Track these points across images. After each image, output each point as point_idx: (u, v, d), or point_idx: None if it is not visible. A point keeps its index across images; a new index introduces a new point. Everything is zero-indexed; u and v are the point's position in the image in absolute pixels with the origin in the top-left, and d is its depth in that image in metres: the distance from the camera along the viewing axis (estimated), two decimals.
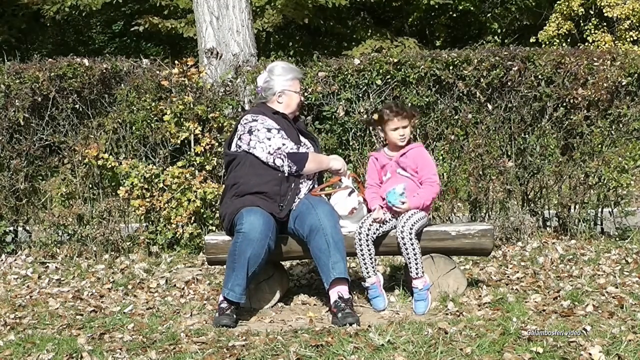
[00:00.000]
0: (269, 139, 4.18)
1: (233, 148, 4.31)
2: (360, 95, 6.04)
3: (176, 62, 6.13)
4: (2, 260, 5.91)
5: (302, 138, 4.39)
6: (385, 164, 4.38)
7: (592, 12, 14.20)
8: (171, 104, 5.96)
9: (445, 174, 6.06)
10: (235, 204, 4.14)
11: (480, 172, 6.06)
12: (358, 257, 4.25)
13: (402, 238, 4.13)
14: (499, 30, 17.32)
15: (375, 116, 4.38)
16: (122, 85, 6.13)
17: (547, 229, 6.26)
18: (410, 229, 4.13)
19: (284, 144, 4.18)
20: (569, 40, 14.26)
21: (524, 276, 4.81)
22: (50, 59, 6.17)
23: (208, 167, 5.96)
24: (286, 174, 4.17)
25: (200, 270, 5.27)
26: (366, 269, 4.20)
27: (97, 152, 5.93)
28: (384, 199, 4.27)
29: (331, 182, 4.36)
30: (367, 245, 4.19)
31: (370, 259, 4.21)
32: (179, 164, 5.99)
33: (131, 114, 6.03)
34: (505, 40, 16.21)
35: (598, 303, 3.98)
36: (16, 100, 5.95)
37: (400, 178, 4.30)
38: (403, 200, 4.18)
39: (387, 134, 4.34)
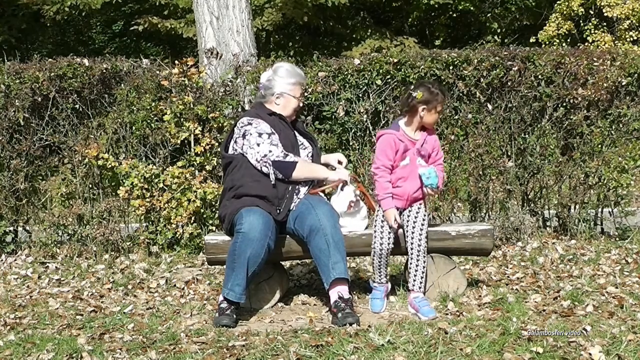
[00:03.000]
0: (258, 144, 4.18)
1: (230, 151, 4.32)
2: (360, 95, 6.04)
3: (176, 62, 6.13)
4: (2, 260, 5.92)
5: (300, 138, 4.39)
6: (408, 148, 4.07)
7: (592, 12, 14.19)
8: (171, 104, 5.96)
9: (445, 174, 6.06)
10: (234, 205, 4.15)
11: (480, 172, 6.06)
12: (374, 266, 4.21)
13: (416, 249, 4.08)
14: (499, 30, 17.31)
15: (420, 94, 3.98)
16: (122, 85, 6.12)
17: (547, 229, 6.26)
18: (423, 237, 4.09)
19: (270, 151, 4.16)
20: (569, 40, 14.26)
21: (524, 276, 4.81)
22: (50, 59, 6.17)
23: (208, 167, 5.96)
24: (273, 182, 4.16)
25: (200, 270, 5.27)
26: (379, 276, 4.20)
27: (97, 152, 5.93)
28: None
29: (324, 188, 4.29)
30: (386, 259, 4.19)
31: (386, 268, 4.21)
32: (179, 164, 5.99)
33: (131, 114, 6.03)
34: (505, 40, 16.20)
35: (598, 303, 3.99)
36: (16, 100, 5.95)
37: (417, 167, 4.09)
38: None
39: (427, 115, 4.02)
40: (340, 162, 4.43)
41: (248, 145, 4.20)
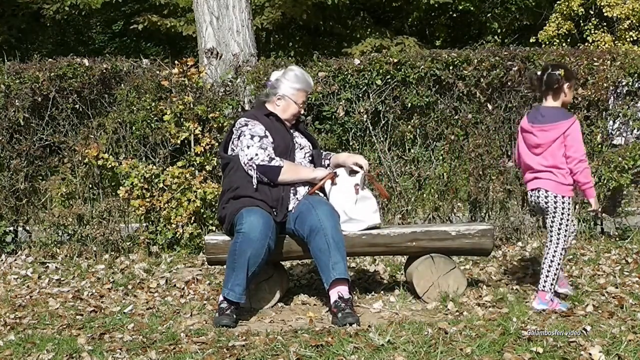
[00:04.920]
0: (248, 147, 4.18)
1: (229, 152, 4.33)
2: (360, 95, 6.04)
3: (176, 62, 6.13)
4: (2, 260, 5.91)
5: (298, 139, 4.38)
6: None
7: (592, 12, 14.18)
8: (171, 104, 5.96)
9: (445, 174, 6.07)
10: (234, 205, 4.15)
11: (480, 172, 6.06)
12: (558, 265, 4.00)
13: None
14: (499, 30, 17.30)
15: (562, 72, 4.00)
16: (122, 85, 6.12)
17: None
18: None
19: (256, 154, 4.15)
20: (569, 40, 14.24)
21: (524, 276, 4.81)
22: (50, 59, 6.17)
23: (208, 167, 5.96)
24: (254, 186, 4.14)
25: (200, 270, 5.27)
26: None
27: (97, 152, 5.93)
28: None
29: (319, 185, 4.25)
30: None
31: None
32: (179, 164, 5.98)
33: (131, 114, 6.03)
34: (505, 40, 16.18)
35: (598, 303, 3.99)
36: (16, 100, 5.95)
37: None
38: None
39: (569, 93, 4.07)
40: (360, 167, 4.27)
41: (240, 147, 4.22)
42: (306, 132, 4.55)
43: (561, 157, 3.94)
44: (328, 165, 4.49)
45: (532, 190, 4.07)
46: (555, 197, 3.96)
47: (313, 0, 14.79)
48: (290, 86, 4.37)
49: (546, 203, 3.99)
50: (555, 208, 3.97)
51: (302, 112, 4.50)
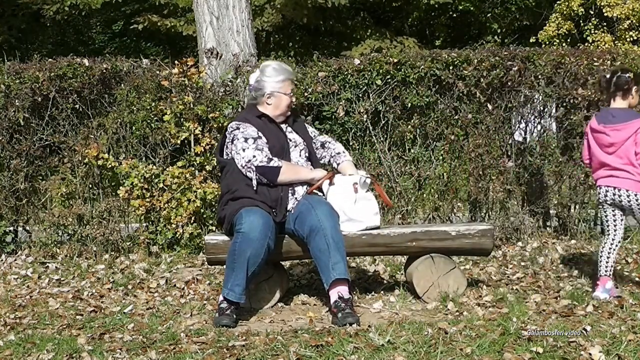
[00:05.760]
0: (243, 149, 4.16)
1: (224, 155, 4.33)
2: (360, 95, 6.04)
3: (176, 62, 6.13)
4: (2, 260, 5.91)
5: (292, 136, 4.36)
6: None
7: (592, 12, 14.19)
8: (171, 104, 5.96)
9: (445, 174, 6.07)
10: (233, 206, 4.15)
11: (480, 172, 6.06)
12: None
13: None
14: (499, 30, 17.31)
15: (631, 75, 4.23)
16: (122, 85, 6.12)
17: (547, 229, 6.26)
18: None
19: (254, 156, 4.14)
20: (569, 40, 14.25)
21: (524, 276, 4.81)
22: (50, 59, 6.18)
23: (208, 167, 5.96)
24: (254, 187, 4.15)
25: (200, 270, 5.27)
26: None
27: (97, 152, 5.93)
28: None
29: (317, 185, 4.26)
30: None
31: None
32: (179, 164, 5.99)
33: (131, 114, 6.03)
34: (505, 40, 16.20)
35: (598, 303, 3.99)
36: (16, 100, 5.95)
37: None
38: None
39: (635, 96, 4.25)
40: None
41: (235, 150, 4.21)
42: (303, 128, 4.50)
43: (634, 155, 4.18)
44: (338, 164, 4.47)
45: (607, 186, 4.26)
46: (636, 195, 4.19)
47: (313, 3, 14.78)
48: (274, 81, 4.33)
49: (629, 202, 4.21)
50: (639, 205, 4.21)
51: (294, 100, 4.48)
